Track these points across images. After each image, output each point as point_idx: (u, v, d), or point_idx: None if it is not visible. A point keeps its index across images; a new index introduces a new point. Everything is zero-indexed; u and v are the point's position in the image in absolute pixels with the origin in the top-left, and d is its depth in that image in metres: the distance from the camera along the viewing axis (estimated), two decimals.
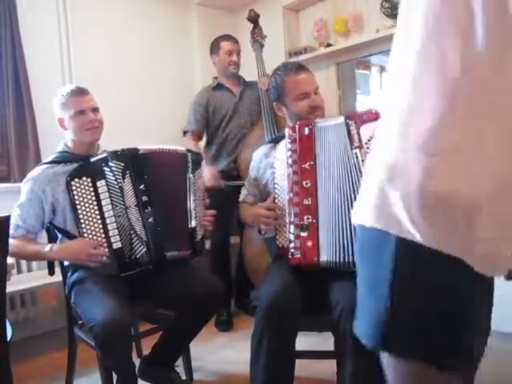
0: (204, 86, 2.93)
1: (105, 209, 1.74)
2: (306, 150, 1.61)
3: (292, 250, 1.60)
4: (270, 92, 1.86)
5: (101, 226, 1.74)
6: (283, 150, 1.69)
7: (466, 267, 0.65)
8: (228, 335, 2.60)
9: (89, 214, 1.74)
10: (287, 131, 1.66)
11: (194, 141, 2.74)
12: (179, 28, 3.38)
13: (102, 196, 1.74)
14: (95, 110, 1.83)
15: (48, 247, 1.73)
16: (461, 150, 0.64)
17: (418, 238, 0.66)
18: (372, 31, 2.72)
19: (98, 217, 1.74)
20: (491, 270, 0.69)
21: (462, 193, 0.63)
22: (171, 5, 3.32)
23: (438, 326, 0.68)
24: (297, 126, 1.64)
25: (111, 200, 1.74)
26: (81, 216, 1.74)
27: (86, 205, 1.74)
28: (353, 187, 1.51)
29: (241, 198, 1.90)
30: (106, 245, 1.73)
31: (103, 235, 1.74)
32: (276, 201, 1.71)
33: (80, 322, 1.79)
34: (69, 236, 1.77)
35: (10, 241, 1.45)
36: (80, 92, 1.81)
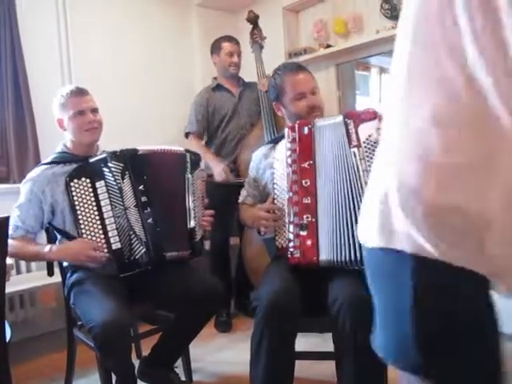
0: (204, 86, 2.93)
1: (104, 209, 1.74)
2: (305, 150, 1.61)
3: (291, 250, 1.59)
4: (270, 92, 1.86)
5: (100, 227, 1.74)
6: (282, 150, 1.70)
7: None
8: (227, 336, 2.60)
9: (88, 215, 1.74)
10: (287, 131, 1.67)
11: (198, 141, 2.74)
12: (179, 28, 3.38)
13: (101, 197, 1.74)
14: (94, 110, 1.83)
15: (47, 248, 1.73)
16: (472, 165, 0.62)
17: (432, 252, 0.64)
18: (372, 32, 2.72)
19: (97, 217, 1.74)
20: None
21: (472, 208, 0.62)
22: (171, 5, 3.32)
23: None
24: (296, 126, 1.64)
25: (110, 201, 1.74)
26: (80, 217, 1.74)
27: (85, 205, 1.74)
28: (351, 186, 1.52)
29: (240, 199, 1.90)
30: (105, 245, 1.73)
31: (102, 236, 1.74)
32: (275, 201, 1.71)
33: (79, 322, 1.78)
34: (68, 237, 1.77)
35: (10, 241, 1.45)
36: (79, 92, 1.81)
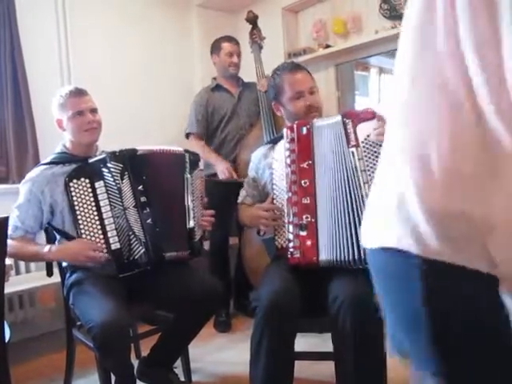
0: (203, 86, 2.93)
1: (103, 210, 1.74)
2: (304, 150, 1.61)
3: (291, 250, 1.59)
4: (269, 91, 1.86)
5: (99, 227, 1.74)
6: (281, 150, 1.69)
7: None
8: (227, 336, 2.60)
9: (87, 215, 1.74)
10: (285, 131, 1.66)
11: (199, 142, 2.74)
12: (179, 29, 3.38)
13: (100, 197, 1.74)
14: (94, 110, 1.83)
15: (47, 248, 1.73)
16: (476, 171, 0.62)
17: (439, 254, 0.64)
18: (371, 32, 2.73)
19: (97, 218, 1.74)
20: None
21: (476, 213, 0.62)
22: (171, 6, 3.32)
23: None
24: (295, 126, 1.64)
25: (109, 201, 1.74)
26: (79, 217, 1.74)
27: (85, 206, 1.74)
28: (350, 186, 1.52)
29: (239, 199, 1.90)
30: (104, 246, 1.73)
31: (101, 236, 1.74)
32: (274, 201, 1.71)
33: (78, 323, 1.78)
34: (67, 237, 1.77)
35: (9, 242, 1.45)
36: (78, 93, 1.81)
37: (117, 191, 1.74)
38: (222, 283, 1.93)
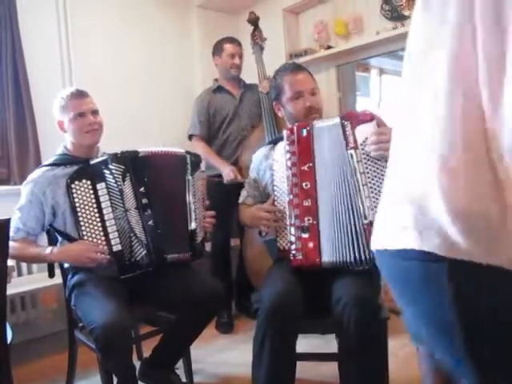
0: (204, 88, 2.93)
1: (105, 211, 1.74)
2: (304, 152, 1.61)
3: (293, 252, 1.59)
4: (270, 92, 1.86)
5: (101, 229, 1.74)
6: (281, 151, 1.69)
7: None
8: (229, 337, 2.60)
9: (89, 217, 1.74)
10: (285, 133, 1.65)
11: (201, 143, 2.74)
12: (179, 30, 3.38)
13: (101, 198, 1.74)
14: (95, 112, 1.83)
15: (48, 250, 1.73)
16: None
17: (465, 254, 0.64)
18: (372, 33, 2.73)
19: (98, 219, 1.74)
20: None
21: (493, 212, 0.62)
22: (171, 7, 3.32)
23: None
24: (295, 128, 1.64)
25: (111, 202, 1.74)
26: (81, 219, 1.74)
27: (86, 207, 1.74)
28: (349, 188, 1.51)
29: (240, 199, 1.90)
30: (105, 247, 1.73)
31: (103, 238, 1.74)
32: (276, 203, 1.71)
33: (80, 324, 1.78)
34: (69, 239, 1.77)
35: (11, 243, 1.45)
36: (79, 94, 1.81)
37: (118, 193, 1.74)
38: (223, 284, 1.93)
